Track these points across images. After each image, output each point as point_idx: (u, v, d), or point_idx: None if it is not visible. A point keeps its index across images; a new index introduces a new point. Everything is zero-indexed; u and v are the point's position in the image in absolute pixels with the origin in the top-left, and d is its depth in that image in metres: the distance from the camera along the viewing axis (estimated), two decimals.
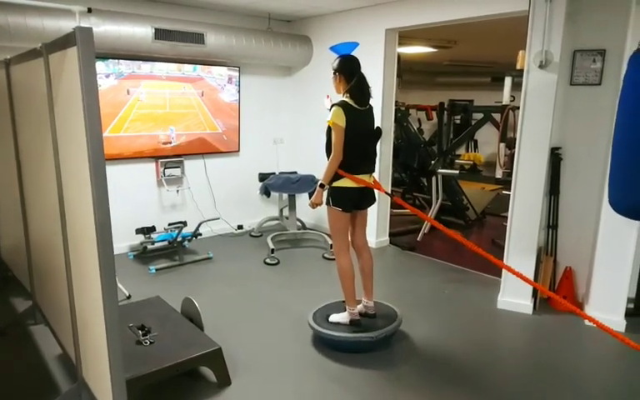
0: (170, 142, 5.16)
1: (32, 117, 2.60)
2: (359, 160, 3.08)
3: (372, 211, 3.39)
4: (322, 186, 3.08)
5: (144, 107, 4.92)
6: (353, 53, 3.14)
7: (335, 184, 3.06)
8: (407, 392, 2.73)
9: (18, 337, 3.27)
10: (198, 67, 5.18)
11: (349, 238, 3.25)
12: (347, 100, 3.03)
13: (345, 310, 3.23)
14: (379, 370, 2.94)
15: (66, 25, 3.93)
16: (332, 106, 3.02)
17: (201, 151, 5.42)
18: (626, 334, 3.35)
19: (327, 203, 3.13)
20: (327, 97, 3.46)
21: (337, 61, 3.10)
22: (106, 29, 4.20)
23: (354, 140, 3.01)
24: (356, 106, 3.03)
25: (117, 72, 4.65)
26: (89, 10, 3.60)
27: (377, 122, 3.31)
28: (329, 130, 3.03)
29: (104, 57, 4.49)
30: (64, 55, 1.85)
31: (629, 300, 3.56)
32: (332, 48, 3.16)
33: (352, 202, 3.12)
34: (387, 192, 3.77)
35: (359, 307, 3.28)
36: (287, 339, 3.31)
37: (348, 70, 3.06)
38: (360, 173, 3.07)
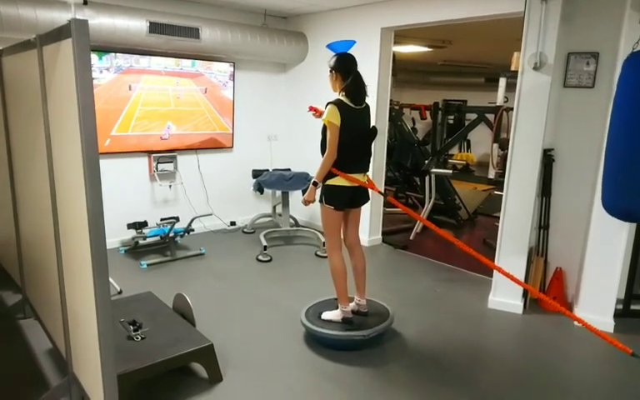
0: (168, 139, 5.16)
1: (24, 108, 2.57)
2: (353, 159, 3.07)
3: (364, 209, 3.38)
4: (315, 184, 3.08)
5: (148, 103, 4.89)
6: (350, 51, 3.11)
7: (328, 182, 3.06)
8: (398, 390, 2.75)
9: (7, 330, 3.24)
10: (197, 62, 5.15)
11: (342, 236, 3.25)
12: (342, 98, 3.02)
13: (337, 308, 3.23)
14: (371, 368, 2.95)
15: (59, 16, 3.89)
16: (327, 104, 3.01)
17: (194, 146, 5.39)
18: (614, 335, 3.39)
19: (320, 201, 3.13)
20: (310, 108, 3.34)
21: (333, 59, 3.08)
22: (100, 22, 4.16)
23: (349, 139, 2.99)
24: (351, 104, 3.02)
25: (115, 65, 4.61)
26: (85, 2, 3.56)
27: (372, 121, 3.31)
28: (324, 128, 3.03)
29: (98, 49, 4.45)
30: (58, 47, 1.83)
31: (618, 301, 3.60)
32: (329, 46, 3.12)
33: (345, 201, 3.12)
34: (380, 192, 3.78)
35: (351, 305, 3.29)
36: (280, 336, 3.31)
37: (345, 68, 3.04)
38: (354, 172, 3.06)
